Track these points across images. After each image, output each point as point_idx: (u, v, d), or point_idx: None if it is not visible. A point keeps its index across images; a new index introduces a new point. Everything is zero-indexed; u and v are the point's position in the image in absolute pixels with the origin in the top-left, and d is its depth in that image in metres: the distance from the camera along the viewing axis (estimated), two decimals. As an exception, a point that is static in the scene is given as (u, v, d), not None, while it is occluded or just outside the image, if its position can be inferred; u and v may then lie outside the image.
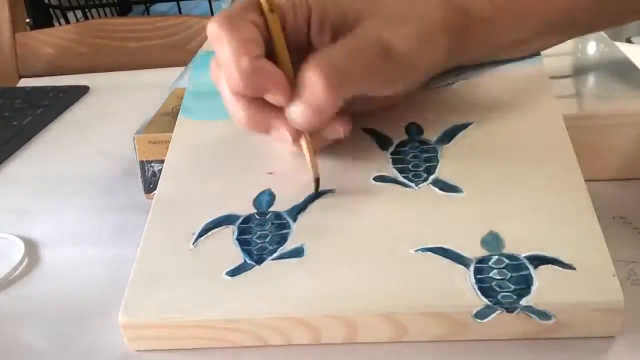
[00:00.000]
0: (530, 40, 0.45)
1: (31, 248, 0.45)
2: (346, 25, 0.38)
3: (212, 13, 1.24)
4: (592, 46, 0.58)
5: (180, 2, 1.26)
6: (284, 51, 0.38)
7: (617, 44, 0.58)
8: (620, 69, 0.52)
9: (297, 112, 0.36)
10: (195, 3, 1.35)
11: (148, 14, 1.40)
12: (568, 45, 0.56)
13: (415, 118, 0.42)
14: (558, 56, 0.55)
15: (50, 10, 1.43)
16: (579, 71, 0.54)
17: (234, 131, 0.43)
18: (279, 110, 0.37)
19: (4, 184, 0.55)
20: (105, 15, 1.54)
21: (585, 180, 0.45)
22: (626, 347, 0.32)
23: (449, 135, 0.41)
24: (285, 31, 0.38)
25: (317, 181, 0.38)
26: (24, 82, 0.84)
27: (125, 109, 0.66)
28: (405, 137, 0.41)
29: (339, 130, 0.38)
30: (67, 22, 1.41)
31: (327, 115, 0.37)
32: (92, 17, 1.47)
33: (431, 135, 0.41)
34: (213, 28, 0.36)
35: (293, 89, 0.36)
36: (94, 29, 0.93)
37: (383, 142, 0.41)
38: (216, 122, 0.44)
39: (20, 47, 0.93)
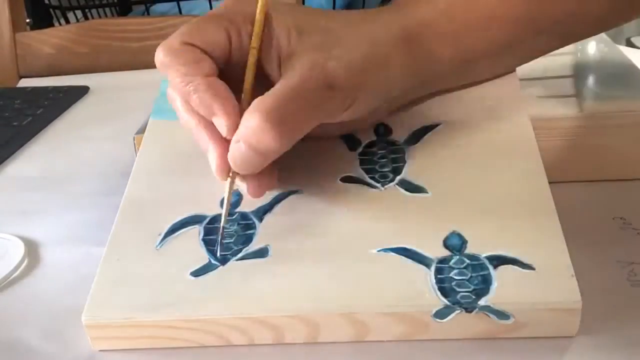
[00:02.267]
0: (506, 48, 0.42)
1: (31, 248, 0.45)
2: (289, 50, 0.36)
3: (212, 13, 1.24)
4: (592, 46, 0.58)
5: (180, 2, 1.26)
6: (248, 84, 0.37)
7: (617, 46, 0.58)
8: (621, 70, 0.52)
9: (238, 150, 0.34)
10: (196, 3, 1.35)
11: (148, 14, 1.40)
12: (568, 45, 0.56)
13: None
14: (558, 56, 0.55)
15: (50, 10, 1.43)
16: (579, 71, 0.54)
17: None
18: (221, 137, 0.36)
19: (4, 184, 0.55)
20: (105, 15, 1.54)
21: (585, 181, 0.46)
22: (587, 347, 0.32)
23: (417, 136, 0.41)
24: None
25: (223, 228, 0.36)
26: (24, 82, 0.84)
27: (125, 109, 0.66)
28: (373, 137, 0.42)
29: (262, 187, 0.37)
30: (67, 22, 1.41)
31: (269, 160, 0.35)
32: (92, 17, 1.47)
33: (399, 135, 0.41)
34: (159, 57, 0.36)
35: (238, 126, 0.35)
36: (94, 29, 0.93)
37: (351, 142, 0.42)
38: None
39: (20, 47, 0.93)
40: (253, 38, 0.37)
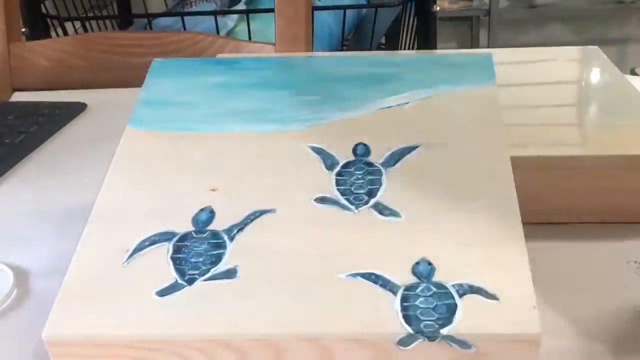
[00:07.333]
0: None
1: (21, 278, 0.44)
2: None
3: (217, 30, 1.22)
4: (597, 75, 0.60)
5: (185, 17, 1.25)
6: None
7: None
8: (626, 100, 0.53)
9: None
10: (201, 19, 1.34)
11: (150, 28, 1.38)
12: (572, 73, 0.59)
13: (363, 138, 0.43)
14: (561, 84, 0.57)
15: (48, 20, 1.41)
16: (584, 100, 0.56)
17: (181, 145, 0.44)
18: None
19: (-6, 207, 0.54)
20: (105, 27, 1.53)
21: (598, 222, 0.45)
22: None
23: (395, 158, 0.41)
24: None
25: None
26: (17, 96, 0.83)
27: (125, 129, 0.65)
28: (352, 157, 0.42)
29: None
30: (65, 33, 1.40)
31: None
32: (92, 30, 1.46)
33: (378, 157, 0.42)
34: None
35: None
36: (94, 42, 0.92)
37: (329, 161, 0.42)
38: (163, 133, 0.44)
39: (15, 58, 0.92)
40: None
